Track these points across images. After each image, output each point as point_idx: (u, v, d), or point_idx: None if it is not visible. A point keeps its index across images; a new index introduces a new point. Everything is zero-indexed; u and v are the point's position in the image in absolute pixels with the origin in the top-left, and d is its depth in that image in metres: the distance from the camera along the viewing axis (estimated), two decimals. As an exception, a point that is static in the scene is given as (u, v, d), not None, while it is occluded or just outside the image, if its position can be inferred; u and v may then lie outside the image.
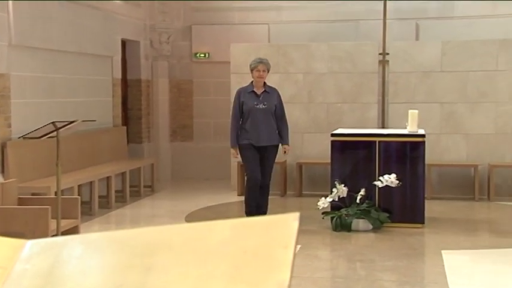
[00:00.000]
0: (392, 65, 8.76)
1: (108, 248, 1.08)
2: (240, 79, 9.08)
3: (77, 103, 8.29)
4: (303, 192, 8.76)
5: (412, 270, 5.20)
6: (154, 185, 9.38)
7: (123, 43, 9.86)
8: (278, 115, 6.72)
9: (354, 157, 6.76)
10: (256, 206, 6.64)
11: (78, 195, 6.96)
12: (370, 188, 6.56)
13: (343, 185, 6.49)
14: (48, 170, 6.88)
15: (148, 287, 1.00)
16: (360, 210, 6.44)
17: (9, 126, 6.86)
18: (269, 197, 6.90)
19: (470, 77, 8.58)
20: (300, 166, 8.72)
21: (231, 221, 1.02)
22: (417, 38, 9.68)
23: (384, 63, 8.75)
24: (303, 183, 8.84)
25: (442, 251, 5.68)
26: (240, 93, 6.74)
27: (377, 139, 6.77)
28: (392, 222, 6.54)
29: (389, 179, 6.45)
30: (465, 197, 8.42)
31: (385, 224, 6.50)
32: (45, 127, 5.27)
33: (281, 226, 0.99)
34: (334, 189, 6.52)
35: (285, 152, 6.83)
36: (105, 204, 7.92)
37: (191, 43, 10.48)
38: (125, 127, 9.74)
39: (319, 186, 8.51)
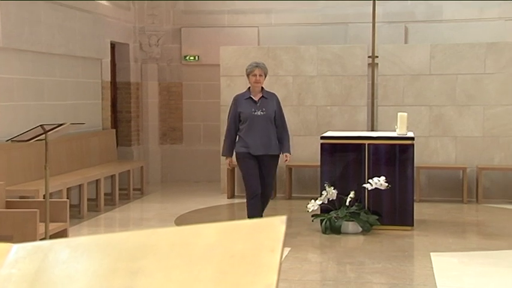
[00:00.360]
0: (382, 68, 8.79)
1: (95, 252, 1.08)
2: (230, 82, 9.09)
3: (66, 106, 8.26)
4: (293, 195, 8.77)
5: (401, 273, 5.21)
6: (144, 188, 9.35)
7: (113, 46, 9.84)
8: (278, 121, 6.23)
9: (343, 160, 6.78)
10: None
11: (67, 198, 6.92)
12: (360, 191, 6.57)
13: (332, 188, 6.50)
14: (37, 173, 6.84)
15: (134, 291, 0.99)
16: (349, 212, 6.46)
17: (-3, 129, 6.82)
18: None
19: (458, 80, 8.63)
20: (289, 169, 8.73)
21: (217, 225, 1.02)
22: (406, 41, 9.74)
23: (373, 66, 8.78)
24: (293, 186, 8.86)
25: (431, 253, 5.70)
26: (236, 100, 6.26)
27: (366, 142, 6.79)
28: (382, 224, 6.56)
29: (379, 182, 6.48)
30: (454, 200, 8.47)
31: (374, 227, 6.51)
32: (33, 130, 5.24)
33: (268, 229, 0.99)
34: (323, 192, 6.53)
35: (286, 160, 6.30)
36: (94, 207, 7.89)
37: (181, 46, 10.47)
38: (114, 130, 9.71)
39: (308, 188, 8.53)
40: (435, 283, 4.83)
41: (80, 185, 7.56)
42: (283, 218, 1.01)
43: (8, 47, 7.04)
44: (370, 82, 8.81)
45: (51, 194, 5.71)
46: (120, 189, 8.58)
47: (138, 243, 1.05)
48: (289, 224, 5.88)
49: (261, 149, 6.09)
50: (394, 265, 5.38)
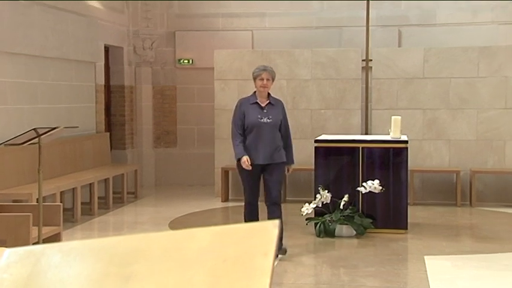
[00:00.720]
0: (376, 72, 8.82)
1: (87, 256, 1.08)
2: (224, 85, 9.09)
3: (60, 109, 8.24)
4: (287, 198, 8.77)
5: (395, 276, 5.22)
6: (138, 192, 9.33)
7: (106, 49, 9.83)
8: (283, 130, 5.83)
9: (337, 163, 6.79)
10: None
11: (61, 202, 6.90)
12: (354, 194, 6.58)
13: (326, 191, 6.51)
14: (30, 176, 6.82)
15: (127, 296, 0.99)
16: (343, 216, 6.46)
17: (-10, 132, 6.80)
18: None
19: (452, 84, 8.67)
20: (283, 172, 8.72)
21: (210, 229, 1.02)
22: (400, 45, 9.77)
23: (367, 69, 8.80)
24: (287, 189, 8.86)
25: (425, 257, 5.71)
26: (241, 104, 5.81)
27: (360, 145, 6.80)
28: (376, 228, 6.57)
29: (373, 185, 6.49)
30: (447, 203, 8.49)
31: (368, 230, 6.52)
32: (26, 133, 5.22)
33: (261, 233, 0.99)
34: (317, 195, 6.53)
35: (288, 170, 5.91)
36: (88, 211, 7.87)
37: (175, 49, 10.46)
38: (108, 133, 9.69)
39: (303, 192, 8.53)
40: (429, 286, 4.83)
41: (73, 189, 7.53)
42: (276, 222, 1.01)
43: (1, 50, 7.02)
44: (364, 85, 8.83)
45: (44, 198, 5.69)
46: (114, 193, 8.56)
47: (130, 248, 1.04)
48: (283, 227, 5.87)
49: (267, 158, 5.69)
50: (388, 268, 5.39)
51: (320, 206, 6.52)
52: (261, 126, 5.70)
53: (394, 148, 6.78)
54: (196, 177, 10.23)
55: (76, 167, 8.31)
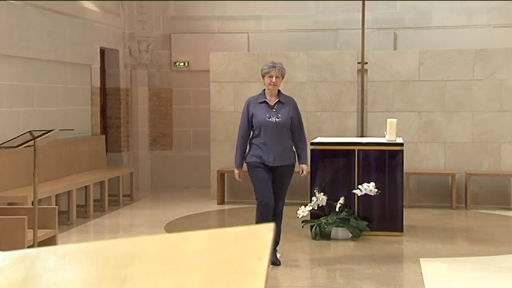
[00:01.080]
0: (371, 74, 8.83)
1: (82, 259, 1.08)
2: (220, 88, 9.09)
3: (55, 112, 8.22)
4: (283, 201, 8.76)
5: (390, 278, 5.22)
6: (134, 194, 9.32)
7: (102, 52, 9.82)
8: (295, 129, 5.59)
9: (333, 166, 6.80)
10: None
11: (56, 204, 6.88)
12: (349, 197, 6.59)
13: (322, 194, 6.51)
14: (25, 179, 6.80)
15: (122, 299, 0.99)
16: (339, 218, 6.47)
17: (-14, 135, 6.78)
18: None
19: (447, 87, 8.69)
20: (279, 175, 8.72)
21: (205, 232, 1.02)
22: (395, 48, 9.79)
23: (362, 72, 8.82)
24: (283, 192, 8.85)
25: (421, 259, 5.72)
26: (249, 103, 5.59)
27: (356, 148, 6.81)
28: (372, 230, 6.57)
29: (368, 188, 6.49)
30: (443, 205, 8.50)
31: (364, 233, 6.53)
32: (22, 136, 5.21)
33: (255, 237, 0.99)
34: (313, 198, 6.53)
35: (302, 172, 5.71)
36: (84, 214, 7.85)
37: (170, 52, 10.46)
38: (104, 136, 9.68)
39: (298, 194, 8.52)
40: (424, 289, 4.84)
41: (69, 191, 7.52)
42: (271, 225, 1.01)
43: (-3, 53, 7.01)
44: (360, 88, 8.85)
45: (39, 201, 5.68)
46: (109, 196, 8.54)
47: (125, 251, 1.04)
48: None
49: (276, 159, 5.47)
50: (383, 271, 5.39)
51: (316, 208, 6.52)
52: (270, 126, 5.48)
53: (389, 151, 6.79)
54: (192, 180, 10.22)
55: (72, 170, 8.30)
